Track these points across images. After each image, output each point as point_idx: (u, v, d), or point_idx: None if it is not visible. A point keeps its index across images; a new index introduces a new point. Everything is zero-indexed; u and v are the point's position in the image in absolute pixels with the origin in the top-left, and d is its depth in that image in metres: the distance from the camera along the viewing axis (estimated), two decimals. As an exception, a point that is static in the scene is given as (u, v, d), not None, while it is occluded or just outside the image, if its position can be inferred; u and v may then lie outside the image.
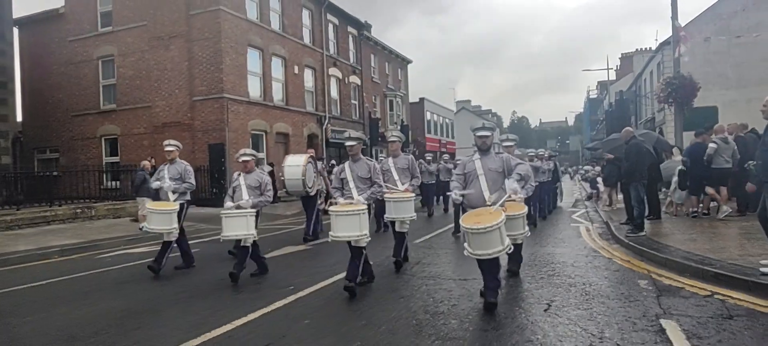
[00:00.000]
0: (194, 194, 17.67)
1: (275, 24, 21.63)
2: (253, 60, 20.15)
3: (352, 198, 5.61)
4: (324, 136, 24.40)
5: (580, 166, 44.94)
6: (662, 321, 4.02)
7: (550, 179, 13.14)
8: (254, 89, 20.13)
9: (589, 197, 18.73)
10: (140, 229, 10.16)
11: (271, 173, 18.01)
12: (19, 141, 19.01)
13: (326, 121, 24.78)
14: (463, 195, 4.99)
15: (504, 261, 5.56)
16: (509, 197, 4.76)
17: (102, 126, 20.55)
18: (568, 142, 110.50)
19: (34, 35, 21.94)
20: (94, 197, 16.40)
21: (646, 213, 9.65)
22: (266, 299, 5.21)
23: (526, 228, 5.66)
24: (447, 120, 47.98)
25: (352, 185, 5.74)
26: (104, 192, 17.61)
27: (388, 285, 5.77)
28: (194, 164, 18.24)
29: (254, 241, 6.37)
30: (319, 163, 10.91)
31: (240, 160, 6.64)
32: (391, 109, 32.66)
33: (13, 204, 14.02)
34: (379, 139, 28.86)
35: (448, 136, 47.58)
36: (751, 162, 6.62)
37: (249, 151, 6.79)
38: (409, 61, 38.07)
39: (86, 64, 20.78)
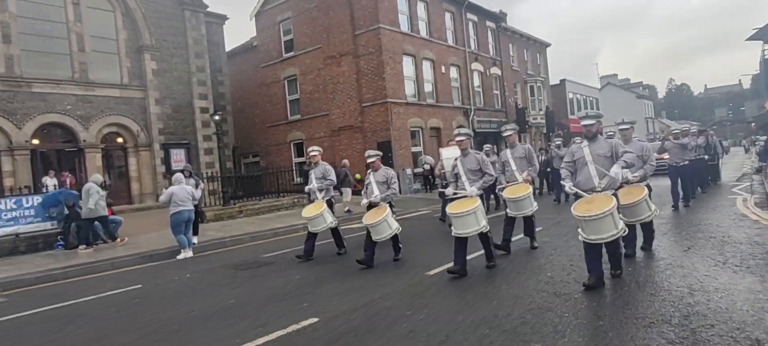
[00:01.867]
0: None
1: (423, 31, 24.34)
2: (408, 66, 23.10)
3: (465, 189, 6.19)
4: (471, 128, 26.47)
5: (757, 137, 40.20)
6: (780, 255, 5.47)
7: (702, 155, 12.28)
8: (409, 91, 23.09)
9: (759, 170, 17.94)
10: (346, 211, 13.93)
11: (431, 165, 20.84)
12: (235, 150, 24.66)
13: (472, 113, 26.88)
14: (574, 186, 5.23)
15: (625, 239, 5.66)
16: (621, 181, 5.01)
17: (290, 133, 25.40)
18: (742, 108, 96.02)
19: (237, 65, 27.75)
20: (288, 191, 20.55)
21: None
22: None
23: (654, 207, 5.93)
24: (591, 98, 46.46)
25: (464, 178, 6.27)
26: (294, 186, 22.02)
27: (561, 239, 7.75)
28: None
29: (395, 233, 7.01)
30: None
31: (368, 161, 7.44)
32: (532, 94, 33.36)
33: (236, 199, 18.74)
34: (527, 126, 30.06)
35: (593, 115, 46.05)
36: None
37: (373, 152, 7.53)
38: (547, 45, 38.15)
39: (275, 85, 25.82)
